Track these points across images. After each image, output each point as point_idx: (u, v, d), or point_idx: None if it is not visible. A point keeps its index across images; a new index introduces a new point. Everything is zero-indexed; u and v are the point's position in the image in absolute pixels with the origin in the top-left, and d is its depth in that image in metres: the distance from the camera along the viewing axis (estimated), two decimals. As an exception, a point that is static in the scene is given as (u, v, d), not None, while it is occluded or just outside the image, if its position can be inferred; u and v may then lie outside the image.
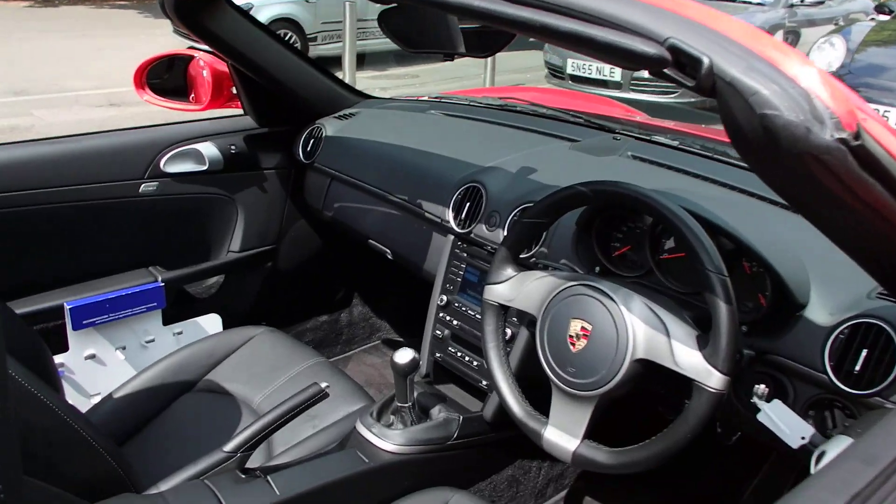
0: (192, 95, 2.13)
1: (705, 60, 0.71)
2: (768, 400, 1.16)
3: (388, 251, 1.90)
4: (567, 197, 1.22)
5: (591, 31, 0.75)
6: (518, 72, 8.31)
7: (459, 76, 8.78)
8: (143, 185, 1.88)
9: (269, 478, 1.30)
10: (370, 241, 1.95)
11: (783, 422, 1.14)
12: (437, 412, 1.54)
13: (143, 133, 1.92)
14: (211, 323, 2.07)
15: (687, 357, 1.06)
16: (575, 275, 1.26)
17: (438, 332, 1.70)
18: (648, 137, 1.74)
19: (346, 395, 1.64)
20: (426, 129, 2.01)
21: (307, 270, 2.31)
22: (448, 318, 1.68)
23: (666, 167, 1.57)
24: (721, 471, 1.94)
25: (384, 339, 2.54)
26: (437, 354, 1.71)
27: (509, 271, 1.31)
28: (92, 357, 1.87)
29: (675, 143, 1.70)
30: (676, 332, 1.09)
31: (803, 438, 1.12)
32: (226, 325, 2.07)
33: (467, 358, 1.64)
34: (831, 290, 1.15)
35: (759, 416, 1.16)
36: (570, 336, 1.17)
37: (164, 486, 1.32)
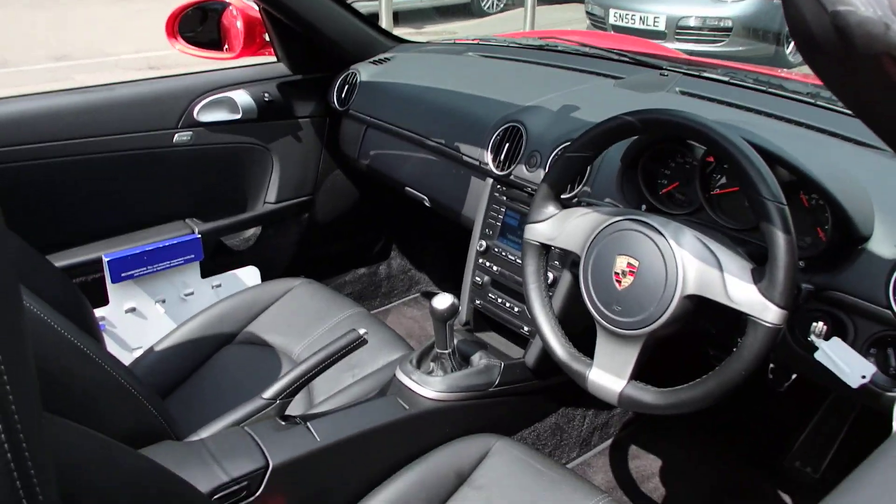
0: (226, 46, 2.10)
1: None
2: (827, 338, 1.10)
3: (426, 198, 1.86)
4: (613, 128, 1.15)
5: None
6: (558, 25, 8.15)
7: (498, 29, 8.64)
8: (177, 135, 1.86)
9: (308, 424, 1.29)
10: (407, 188, 1.91)
11: (843, 360, 1.08)
12: (478, 359, 1.50)
13: (175, 81, 1.89)
14: (249, 275, 2.06)
15: (741, 291, 1.00)
16: (620, 210, 1.20)
17: (478, 278, 1.65)
18: (698, 73, 1.66)
19: (385, 345, 1.62)
20: (463, 71, 1.95)
21: (344, 222, 2.28)
22: (488, 263, 1.63)
23: (717, 101, 1.49)
24: (771, 419, 1.88)
25: (424, 291, 2.51)
26: (477, 301, 1.67)
27: (551, 209, 1.25)
28: (132, 310, 1.88)
29: (727, 78, 1.61)
30: (730, 265, 1.02)
31: (864, 378, 1.06)
32: (264, 278, 2.06)
33: (508, 304, 1.60)
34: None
35: (817, 355, 1.10)
36: (616, 273, 1.12)
37: (205, 433, 1.31)
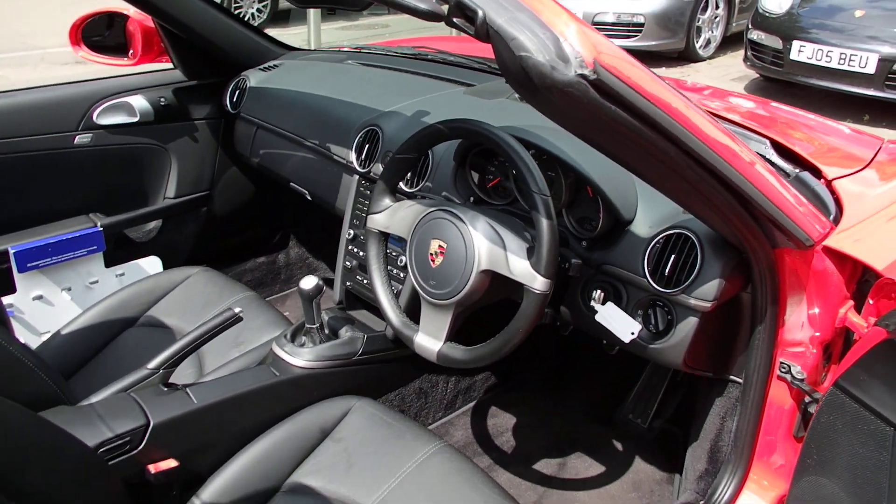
0: (131, 52, 2.26)
1: (480, 13, 0.87)
2: (603, 303, 1.36)
3: (307, 192, 2.07)
4: (428, 134, 1.39)
5: None
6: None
7: (429, 25, 8.82)
8: (77, 137, 2.04)
9: (188, 390, 1.48)
10: (291, 184, 2.12)
11: (616, 321, 1.34)
12: (345, 332, 1.72)
13: (74, 88, 2.06)
14: (151, 264, 2.24)
15: (518, 265, 1.25)
16: (436, 201, 1.44)
17: (348, 262, 1.88)
18: None
19: (270, 324, 1.81)
20: (339, 78, 2.16)
21: (242, 214, 2.48)
22: (356, 249, 1.86)
23: None
24: (607, 381, 2.16)
25: (322, 277, 2.72)
26: (348, 283, 1.89)
27: (387, 202, 1.48)
28: (39, 298, 2.04)
29: None
30: (511, 245, 1.27)
31: (633, 334, 1.32)
32: (166, 267, 2.24)
33: None
34: (653, 207, 1.34)
35: (597, 318, 1.36)
36: (431, 254, 1.36)
37: (94, 399, 1.50)
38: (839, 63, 5.27)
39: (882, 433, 1.03)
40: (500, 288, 1.33)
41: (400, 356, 1.80)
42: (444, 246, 1.33)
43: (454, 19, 0.92)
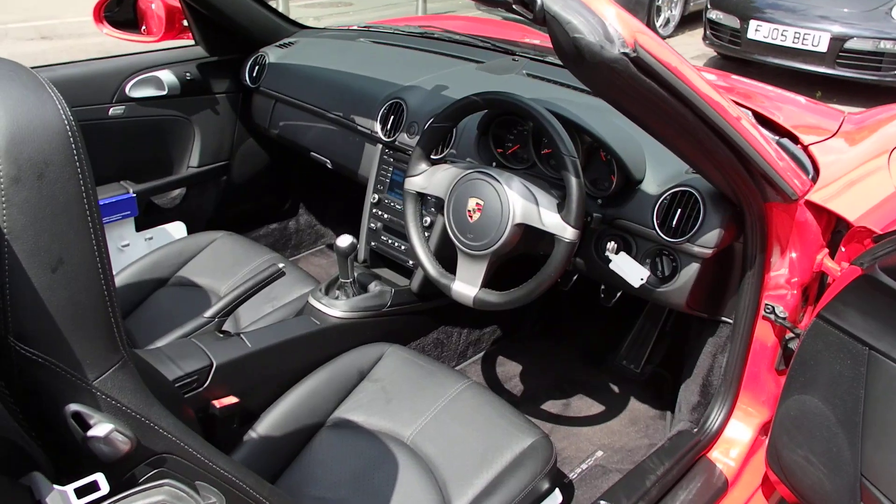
0: (144, 27, 2.39)
1: (539, 0, 1.05)
2: (616, 253, 1.57)
3: (328, 161, 2.24)
4: (464, 105, 1.57)
5: None
6: (449, 10, 8.47)
7: (392, 3, 8.90)
8: (112, 109, 2.17)
9: (241, 335, 1.65)
10: (312, 153, 2.28)
11: (627, 268, 1.55)
12: (374, 286, 1.91)
13: (108, 62, 2.18)
14: (177, 229, 2.39)
15: (549, 218, 1.45)
16: (472, 164, 1.63)
17: (372, 224, 2.06)
18: (542, 58, 2.10)
19: (297, 281, 1.98)
20: (356, 55, 2.33)
21: (257, 183, 2.64)
22: (380, 212, 2.04)
23: (553, 82, 1.94)
24: (604, 328, 2.39)
25: (328, 243, 2.89)
26: (373, 243, 2.07)
27: (423, 166, 1.67)
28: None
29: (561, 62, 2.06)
30: (543, 201, 1.47)
31: (642, 279, 1.54)
32: (189, 232, 2.40)
33: (397, 244, 2.01)
34: (660, 168, 1.55)
35: (611, 266, 1.57)
36: (469, 210, 1.55)
37: (160, 343, 1.66)
38: (793, 42, 5.55)
39: (858, 352, 1.26)
40: (529, 239, 1.53)
41: (422, 309, 1.99)
42: (482, 203, 1.52)
43: (514, 6, 1.11)
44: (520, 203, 1.48)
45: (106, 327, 0.84)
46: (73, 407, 0.82)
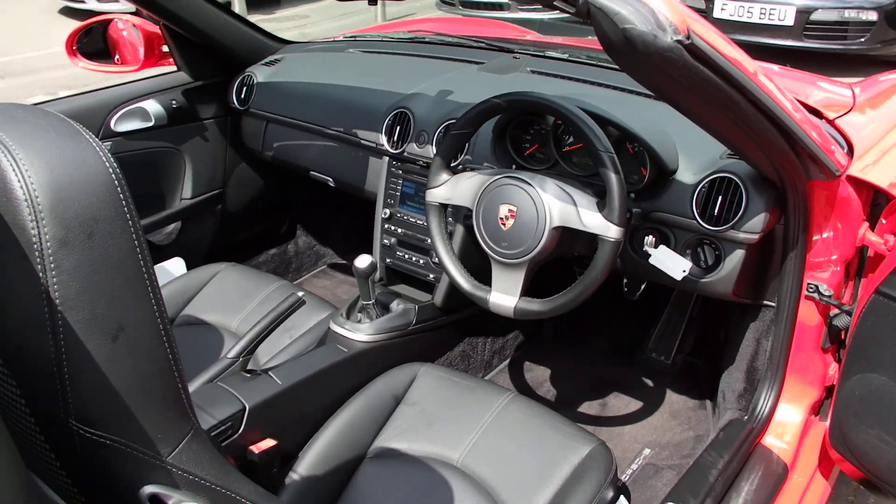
0: (118, 57, 2.29)
1: None
2: (655, 247, 1.51)
3: (330, 179, 2.16)
4: (486, 108, 1.50)
5: None
6: (409, 0, 8.40)
7: (349, 12, 8.81)
8: None
9: (270, 373, 1.56)
10: (311, 172, 2.20)
11: (669, 261, 1.49)
12: (396, 305, 1.83)
13: (91, 97, 2.07)
14: (176, 266, 2.28)
15: (591, 218, 1.39)
16: (497, 170, 1.56)
17: (386, 240, 1.98)
18: (543, 54, 2.04)
19: (312, 307, 1.89)
20: (349, 66, 2.25)
21: (253, 209, 2.54)
22: (393, 227, 1.96)
23: (560, 77, 1.88)
24: (629, 324, 2.34)
25: (330, 263, 2.80)
26: (388, 260, 1.99)
27: (445, 176, 1.60)
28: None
29: (566, 56, 2.00)
30: (581, 201, 1.41)
31: (685, 271, 1.48)
32: (189, 267, 2.29)
33: (414, 258, 1.93)
34: (694, 156, 1.50)
35: (651, 261, 1.51)
36: (501, 218, 1.48)
37: None
38: (760, 17, 5.55)
39: None
40: (565, 242, 1.47)
41: (446, 322, 1.93)
42: (515, 209, 1.46)
43: (555, 2, 1.05)
44: (556, 205, 1.42)
45: (174, 395, 0.76)
46: (150, 489, 0.73)
